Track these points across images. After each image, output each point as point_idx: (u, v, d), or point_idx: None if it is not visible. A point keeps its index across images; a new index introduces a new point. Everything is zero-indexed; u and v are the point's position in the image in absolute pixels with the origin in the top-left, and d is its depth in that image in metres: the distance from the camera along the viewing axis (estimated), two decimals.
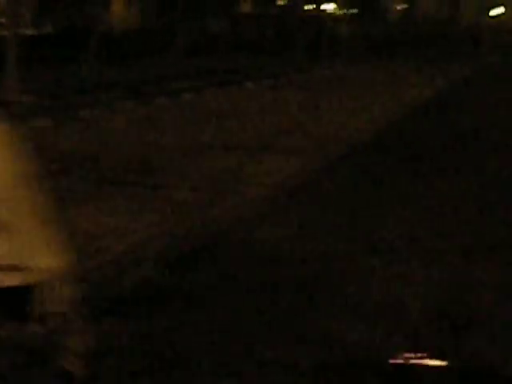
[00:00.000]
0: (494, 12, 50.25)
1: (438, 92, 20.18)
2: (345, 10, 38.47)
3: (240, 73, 22.36)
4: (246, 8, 33.66)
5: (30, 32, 24.81)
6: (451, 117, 14.78)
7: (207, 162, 8.57)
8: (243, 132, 11.33)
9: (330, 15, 38.17)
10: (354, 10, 37.65)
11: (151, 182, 7.39)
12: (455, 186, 7.65)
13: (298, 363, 3.20)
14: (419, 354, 2.71)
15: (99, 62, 21.53)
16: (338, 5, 38.01)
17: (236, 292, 4.15)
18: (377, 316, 3.86)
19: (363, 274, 4.67)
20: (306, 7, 33.72)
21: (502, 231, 5.71)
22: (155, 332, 3.47)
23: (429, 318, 3.95)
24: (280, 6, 33.30)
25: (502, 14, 51.10)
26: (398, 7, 47.65)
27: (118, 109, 13.49)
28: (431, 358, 2.68)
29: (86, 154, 8.74)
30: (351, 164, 9.08)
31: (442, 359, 2.86)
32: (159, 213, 6.06)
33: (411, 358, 2.70)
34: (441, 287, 4.43)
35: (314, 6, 33.68)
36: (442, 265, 4.85)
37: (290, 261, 4.92)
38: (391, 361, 2.77)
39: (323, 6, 35.08)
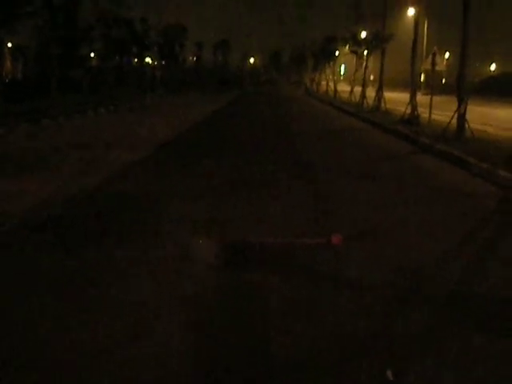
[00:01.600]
0: (251, 60, 71.37)
1: (222, 105, 32.69)
2: (157, 61, 54.66)
3: (92, 104, 27.01)
4: (94, 62, 46.94)
5: None
6: (231, 112, 27.63)
7: (83, 153, 11.52)
8: (100, 137, 14.70)
9: (149, 65, 53.82)
10: (163, 62, 53.70)
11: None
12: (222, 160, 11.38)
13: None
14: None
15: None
16: (152, 58, 53.74)
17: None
18: None
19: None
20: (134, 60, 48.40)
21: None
22: None
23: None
24: (117, 61, 46.78)
25: (255, 61, 72.86)
26: (191, 58, 65.31)
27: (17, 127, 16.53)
28: None
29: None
30: (164, 152, 12.57)
31: None
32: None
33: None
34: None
35: (137, 59, 48.47)
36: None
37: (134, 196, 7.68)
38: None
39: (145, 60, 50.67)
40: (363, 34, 32.37)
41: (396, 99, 31.82)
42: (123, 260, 5.17)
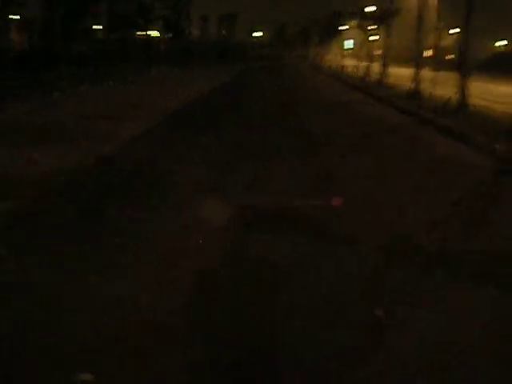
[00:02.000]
0: (255, 34, 71.25)
1: (229, 77, 34.80)
2: (162, 35, 54.83)
3: (101, 76, 28.65)
4: (99, 35, 47.21)
5: None
6: (237, 83, 29.64)
7: (97, 124, 12.26)
8: (108, 107, 15.89)
9: (155, 38, 53.95)
10: (169, 34, 53.85)
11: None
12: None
13: None
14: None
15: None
16: (159, 32, 53.91)
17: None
18: None
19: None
20: (138, 33, 48.59)
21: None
22: None
23: None
24: (122, 33, 46.93)
25: (261, 36, 72.69)
26: (196, 31, 65.40)
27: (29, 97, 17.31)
28: None
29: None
30: (170, 121, 13.65)
31: None
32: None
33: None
34: None
35: (145, 32, 48.59)
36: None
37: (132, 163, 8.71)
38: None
39: (150, 32, 50.76)
40: (372, 9, 32.42)
41: (402, 74, 32.13)
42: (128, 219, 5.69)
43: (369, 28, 31.17)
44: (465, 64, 15.28)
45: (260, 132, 12.05)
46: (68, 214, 5.85)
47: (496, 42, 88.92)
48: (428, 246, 5.11)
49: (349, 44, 61.48)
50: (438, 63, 31.92)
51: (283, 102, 19.42)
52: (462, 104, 14.99)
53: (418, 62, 19.95)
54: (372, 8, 32.24)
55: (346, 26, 47.23)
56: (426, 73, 19.83)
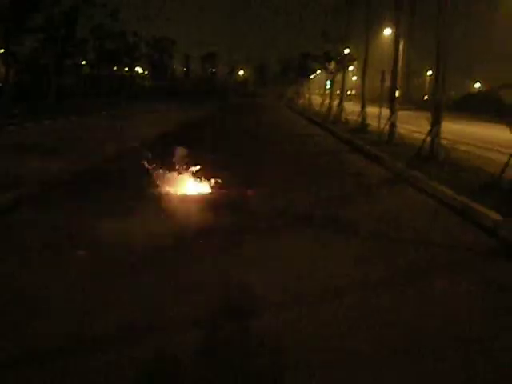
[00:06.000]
0: (239, 73, 76.09)
1: (207, 112, 38.06)
2: (146, 71, 58.96)
3: (86, 109, 32.98)
4: (86, 70, 50.85)
5: None
6: (214, 118, 33.20)
7: (90, 145, 15.71)
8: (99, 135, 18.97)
9: (139, 74, 58.02)
10: (152, 72, 57.99)
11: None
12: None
13: None
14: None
15: None
16: (142, 68, 57.98)
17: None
18: None
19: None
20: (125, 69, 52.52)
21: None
22: None
23: None
24: (108, 69, 50.70)
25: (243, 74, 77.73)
26: (180, 68, 69.70)
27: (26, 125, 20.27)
28: None
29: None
30: (149, 144, 16.58)
31: None
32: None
33: None
34: None
35: (127, 68, 52.47)
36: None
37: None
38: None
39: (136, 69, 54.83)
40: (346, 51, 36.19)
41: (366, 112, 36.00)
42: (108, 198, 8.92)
43: (332, 70, 34.98)
44: (394, 101, 18.81)
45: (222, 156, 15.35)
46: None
47: (473, 80, 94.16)
48: (304, 212, 8.42)
49: (327, 84, 65.97)
50: (405, 102, 36.08)
51: (250, 132, 22.90)
52: (392, 135, 18.45)
53: (363, 101, 23.60)
54: (347, 51, 36.03)
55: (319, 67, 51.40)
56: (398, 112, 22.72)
